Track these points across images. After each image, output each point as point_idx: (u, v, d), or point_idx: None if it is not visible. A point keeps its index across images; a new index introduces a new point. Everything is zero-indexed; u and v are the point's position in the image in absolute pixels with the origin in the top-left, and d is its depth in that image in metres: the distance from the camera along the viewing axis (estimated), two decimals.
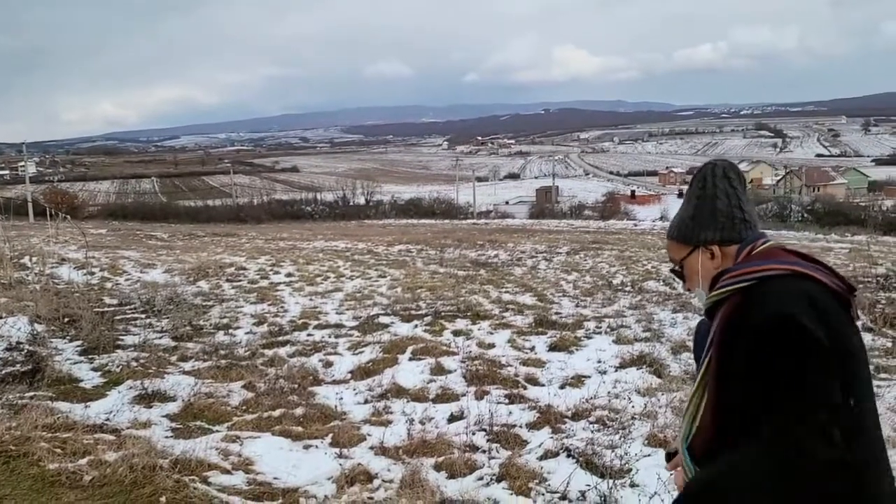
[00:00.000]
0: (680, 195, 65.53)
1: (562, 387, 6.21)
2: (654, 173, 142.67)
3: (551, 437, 4.87)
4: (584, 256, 18.76)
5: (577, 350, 7.63)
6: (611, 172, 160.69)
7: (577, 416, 5.36)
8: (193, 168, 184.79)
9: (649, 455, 4.47)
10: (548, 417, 5.26)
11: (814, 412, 1.33)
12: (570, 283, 13.30)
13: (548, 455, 4.58)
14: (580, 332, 8.46)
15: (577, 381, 6.40)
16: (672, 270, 1.76)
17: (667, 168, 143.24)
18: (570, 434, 4.95)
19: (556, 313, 9.76)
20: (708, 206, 1.61)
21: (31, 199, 46.07)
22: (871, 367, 6.21)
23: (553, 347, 7.73)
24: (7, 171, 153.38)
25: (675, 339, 7.88)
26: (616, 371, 6.74)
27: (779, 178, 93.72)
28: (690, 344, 7.41)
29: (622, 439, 4.78)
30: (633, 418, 5.20)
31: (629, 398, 5.56)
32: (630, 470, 4.31)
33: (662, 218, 48.54)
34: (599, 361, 7.04)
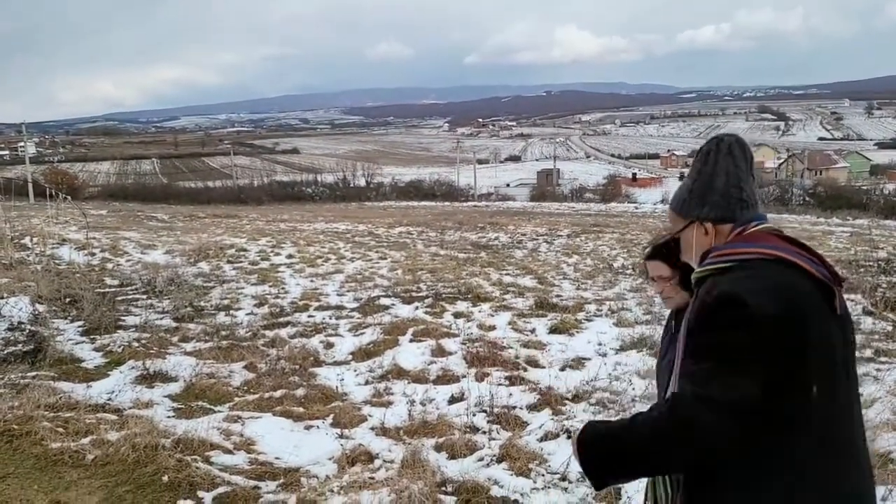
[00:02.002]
0: (681, 178, 65.48)
1: (562, 369, 6.23)
2: (655, 156, 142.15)
3: (552, 419, 4.89)
4: (584, 239, 18.74)
5: (577, 333, 7.64)
6: (612, 155, 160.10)
7: (577, 398, 5.38)
8: (193, 149, 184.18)
9: None
10: (548, 399, 5.28)
11: (713, 394, 1.35)
12: (570, 265, 13.29)
13: (548, 437, 4.60)
14: (581, 315, 8.47)
15: (578, 363, 6.42)
16: (662, 244, 1.80)
17: (668, 151, 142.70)
18: (571, 416, 4.97)
19: (557, 296, 9.76)
20: (706, 182, 1.60)
21: (32, 179, 45.96)
22: (871, 351, 6.26)
23: (554, 330, 7.74)
24: (7, 152, 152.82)
25: None
26: (616, 354, 6.75)
27: (781, 161, 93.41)
28: None
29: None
30: (633, 400, 5.21)
31: (630, 381, 5.57)
32: None
33: (664, 201, 48.41)
34: (600, 344, 7.05)
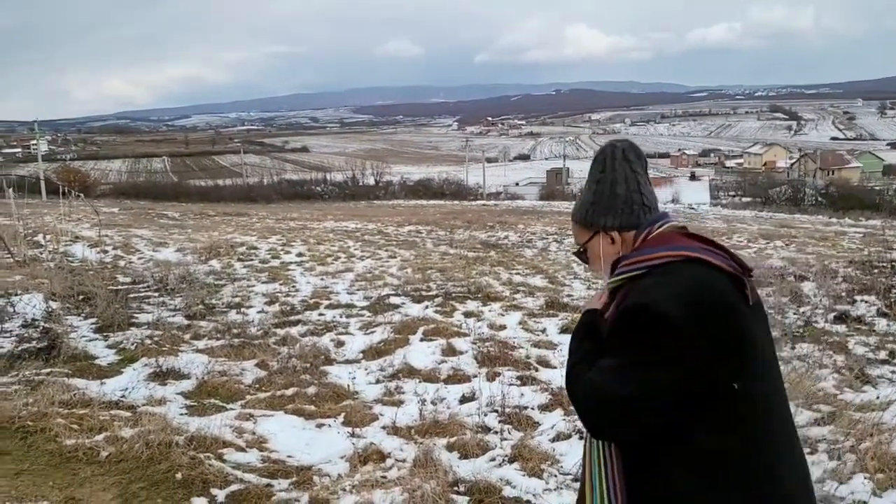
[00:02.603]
0: (692, 177, 65.09)
1: None
2: (665, 155, 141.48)
3: (564, 419, 4.87)
4: None
5: None
6: None
7: None
8: (204, 147, 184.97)
9: None
10: (560, 399, 5.26)
11: (611, 390, 1.38)
12: (581, 265, 13.24)
13: (560, 437, 4.59)
14: None
15: None
16: (575, 252, 1.76)
17: (679, 150, 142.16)
18: None
19: (568, 296, 9.74)
20: (607, 190, 1.60)
21: (44, 177, 46.28)
22: (885, 353, 6.20)
23: (565, 330, 7.71)
24: (20, 150, 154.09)
25: None
26: None
27: (793, 161, 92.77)
28: None
29: None
30: None
31: None
32: None
33: (674, 201, 48.25)
34: None
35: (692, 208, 40.23)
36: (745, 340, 1.40)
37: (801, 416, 4.42)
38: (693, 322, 1.35)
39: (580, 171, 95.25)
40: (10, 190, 17.85)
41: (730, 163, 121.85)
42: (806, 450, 3.79)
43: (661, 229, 1.56)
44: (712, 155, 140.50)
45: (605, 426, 1.44)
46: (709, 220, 28.79)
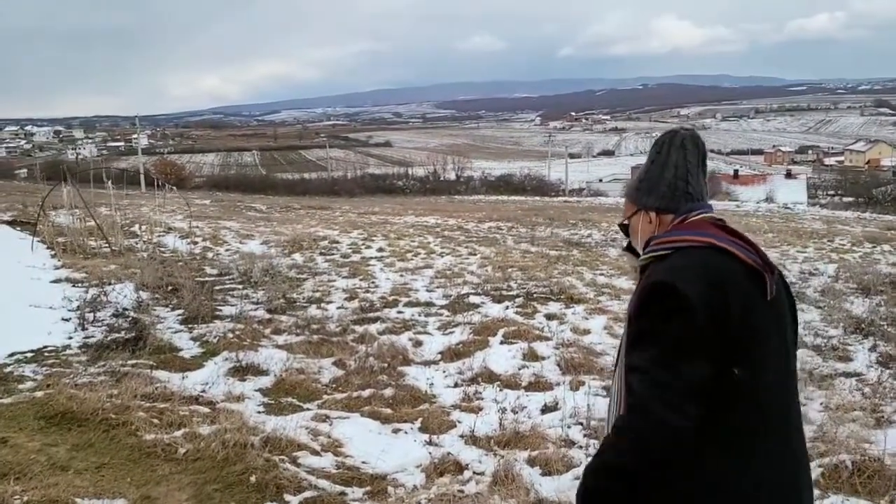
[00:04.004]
0: (788, 175, 61.74)
1: None
2: (759, 152, 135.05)
3: None
4: None
5: None
6: (711, 150, 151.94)
7: None
8: (291, 142, 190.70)
9: None
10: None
11: (655, 375, 1.40)
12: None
13: None
14: None
15: None
16: (619, 224, 1.82)
17: (773, 146, 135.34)
18: None
19: None
20: (656, 173, 1.67)
21: (143, 169, 48.76)
22: None
23: None
24: (122, 143, 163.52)
25: None
26: None
27: None
28: (807, 339, 6.82)
29: None
30: None
31: None
32: None
33: (768, 199, 45.85)
34: None
35: (788, 208, 38.02)
36: (747, 329, 1.44)
37: None
38: (709, 303, 1.41)
39: None
40: (109, 182, 18.76)
41: (829, 160, 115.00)
42: None
43: (696, 217, 1.61)
44: (810, 152, 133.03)
45: (670, 412, 1.39)
46: (806, 221, 27.10)
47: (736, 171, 64.64)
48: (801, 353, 6.55)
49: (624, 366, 1.53)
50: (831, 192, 56.38)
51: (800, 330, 7.23)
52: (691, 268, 1.47)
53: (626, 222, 1.76)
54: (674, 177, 1.63)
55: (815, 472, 3.87)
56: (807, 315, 8.29)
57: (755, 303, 1.47)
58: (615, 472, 1.46)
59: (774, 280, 1.52)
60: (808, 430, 4.52)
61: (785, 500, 1.50)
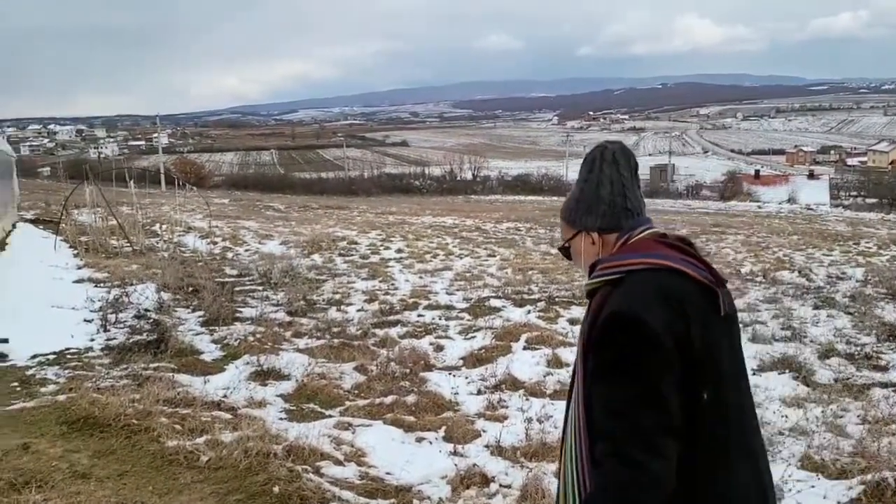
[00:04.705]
0: (810, 176, 60.80)
1: None
2: (780, 152, 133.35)
3: None
4: (705, 241, 17.63)
5: None
6: (732, 150, 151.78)
7: None
8: (309, 141, 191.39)
9: (804, 481, 3.93)
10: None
11: (634, 418, 1.35)
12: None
13: None
14: None
15: None
16: (559, 248, 1.78)
17: (795, 147, 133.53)
18: None
19: None
20: (592, 191, 1.61)
21: (164, 169, 49.11)
22: None
23: None
24: (143, 142, 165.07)
25: (821, 341, 7.08)
26: (754, 375, 6.09)
27: None
28: (839, 347, 6.64)
29: (770, 458, 4.24)
30: (780, 433, 4.62)
31: (780, 410, 4.95)
32: (781, 496, 3.80)
33: (790, 200, 45.27)
34: None
35: (810, 209, 37.49)
36: (707, 348, 1.42)
37: None
38: (667, 332, 1.38)
39: (685, 167, 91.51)
40: (132, 182, 18.87)
41: (852, 161, 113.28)
42: None
43: (641, 235, 1.57)
44: (832, 152, 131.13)
45: (652, 456, 1.35)
46: (830, 223, 26.68)
47: (757, 172, 63.84)
48: (833, 361, 6.38)
49: (584, 395, 1.49)
50: (854, 193, 55.55)
51: (831, 337, 7.07)
52: (650, 295, 1.43)
53: (566, 245, 1.70)
54: (610, 193, 1.59)
55: (857, 490, 3.74)
56: (837, 321, 8.10)
57: (710, 319, 1.46)
58: None
59: (726, 294, 1.52)
60: (847, 445, 4.38)
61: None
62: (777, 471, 4.03)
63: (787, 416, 4.80)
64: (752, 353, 6.60)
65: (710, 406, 1.41)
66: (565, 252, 1.74)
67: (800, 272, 11.88)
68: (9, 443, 4.02)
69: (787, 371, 6.04)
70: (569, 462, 1.54)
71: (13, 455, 3.86)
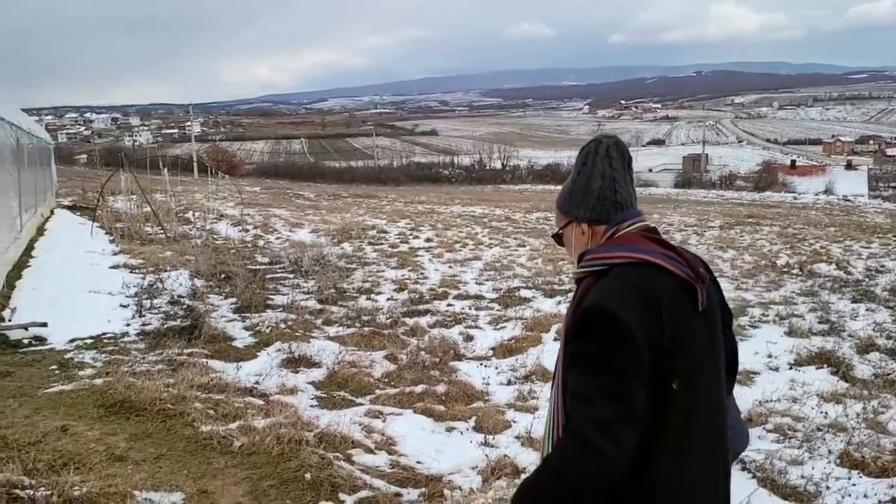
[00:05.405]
0: (848, 166, 59.39)
1: None
2: (817, 142, 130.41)
3: None
4: (740, 232, 17.32)
5: (741, 340, 6.87)
6: (767, 140, 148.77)
7: (749, 421, 4.73)
8: (339, 130, 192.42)
9: (845, 479, 3.83)
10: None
11: (598, 405, 1.43)
12: (726, 261, 12.24)
13: None
14: (744, 320, 7.65)
15: (746, 377, 5.72)
16: (553, 235, 1.85)
17: (833, 136, 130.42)
18: None
19: None
20: (584, 183, 1.67)
21: (196, 157, 49.78)
22: None
23: None
24: (176, 130, 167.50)
25: (861, 335, 6.90)
26: (791, 369, 5.97)
27: None
28: (879, 342, 6.46)
29: (808, 455, 4.15)
30: (818, 429, 4.52)
31: (817, 405, 4.83)
32: (820, 493, 3.72)
33: (827, 191, 44.20)
34: (770, 356, 6.27)
35: (848, 200, 36.56)
36: (681, 343, 1.49)
37: None
38: (644, 323, 1.45)
39: (719, 157, 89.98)
40: (165, 169, 19.14)
41: (892, 151, 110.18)
42: None
43: (628, 229, 1.63)
44: (871, 142, 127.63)
45: (609, 443, 1.42)
46: (868, 215, 26.00)
47: (793, 162, 62.67)
48: (873, 356, 6.22)
49: (562, 377, 1.57)
50: (894, 185, 54.03)
51: (870, 331, 6.88)
52: (628, 291, 1.50)
53: (559, 232, 1.78)
54: (601, 187, 1.65)
55: None
56: (877, 315, 7.89)
57: (687, 315, 1.52)
58: (548, 496, 1.48)
59: (705, 289, 1.57)
60: (888, 442, 4.27)
61: (711, 496, 1.59)
62: (816, 468, 3.95)
63: (826, 413, 4.69)
64: (788, 347, 6.47)
65: (679, 396, 1.49)
66: (558, 239, 1.80)
67: (837, 265, 11.58)
68: (48, 424, 4.11)
69: (825, 366, 5.90)
70: (546, 438, 1.64)
71: (52, 437, 3.94)
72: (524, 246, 14.05)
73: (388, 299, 8.66)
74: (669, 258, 1.56)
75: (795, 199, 38.31)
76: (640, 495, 1.50)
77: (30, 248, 10.44)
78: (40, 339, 6.14)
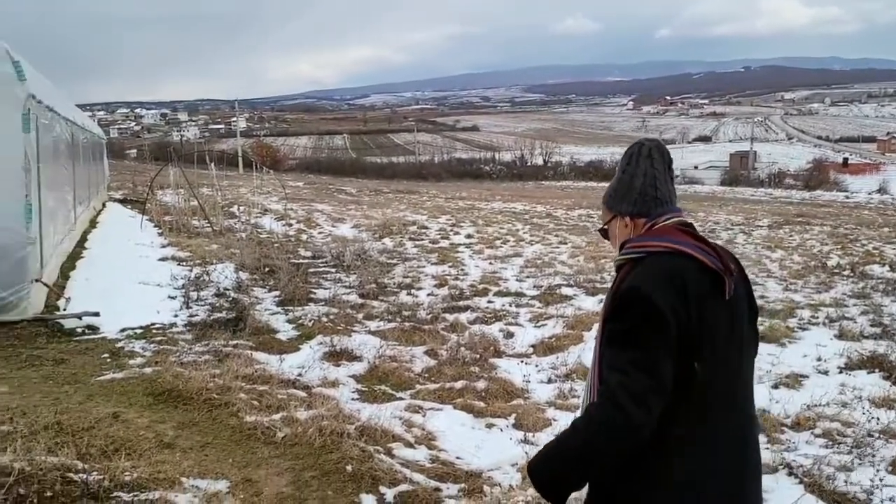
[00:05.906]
0: None
1: (775, 386, 5.44)
2: (871, 139, 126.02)
3: (767, 449, 4.22)
4: (789, 231, 16.88)
5: (790, 343, 6.71)
6: (819, 137, 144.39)
7: (797, 425, 4.63)
8: (380, 125, 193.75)
9: (895, 486, 3.71)
10: (761, 423, 4.59)
11: (632, 375, 1.56)
12: (774, 261, 11.95)
13: (764, 470, 3.96)
14: (792, 322, 7.46)
15: (794, 381, 5.58)
16: (599, 230, 2.00)
17: (888, 134, 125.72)
18: (791, 447, 4.27)
19: (762, 297, 8.72)
20: (627, 181, 1.83)
21: (241, 152, 50.71)
22: None
23: (761, 337, 6.83)
24: (222, 126, 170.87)
25: None
26: (841, 373, 5.80)
27: None
28: None
29: (857, 461, 4.03)
30: (869, 435, 4.38)
31: (869, 411, 4.69)
32: (870, 501, 3.61)
33: (881, 190, 42.75)
34: (819, 359, 6.10)
35: None
36: (706, 328, 1.62)
37: None
38: (671, 311, 1.59)
39: (768, 154, 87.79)
40: (212, 164, 19.55)
41: None
42: None
43: (665, 222, 1.77)
44: None
45: (637, 408, 1.54)
46: None
47: (845, 160, 60.72)
48: None
49: (599, 354, 1.71)
50: None
51: None
52: (661, 276, 1.64)
53: (605, 227, 1.94)
54: (643, 184, 1.80)
55: None
56: None
57: (715, 302, 1.65)
58: (576, 453, 1.62)
59: (733, 281, 1.69)
60: None
61: (727, 486, 1.67)
62: (866, 475, 3.84)
63: (877, 418, 4.54)
64: (838, 351, 6.29)
65: (700, 375, 1.62)
66: (604, 233, 1.96)
67: (891, 266, 11.21)
68: (101, 411, 4.25)
69: (876, 370, 5.72)
70: (583, 408, 1.78)
71: (104, 423, 4.07)
72: (566, 243, 13.95)
73: (428, 295, 8.70)
74: (701, 249, 1.69)
75: (847, 198, 37.18)
76: (659, 460, 1.62)
77: (83, 239, 10.79)
78: (93, 329, 6.34)
